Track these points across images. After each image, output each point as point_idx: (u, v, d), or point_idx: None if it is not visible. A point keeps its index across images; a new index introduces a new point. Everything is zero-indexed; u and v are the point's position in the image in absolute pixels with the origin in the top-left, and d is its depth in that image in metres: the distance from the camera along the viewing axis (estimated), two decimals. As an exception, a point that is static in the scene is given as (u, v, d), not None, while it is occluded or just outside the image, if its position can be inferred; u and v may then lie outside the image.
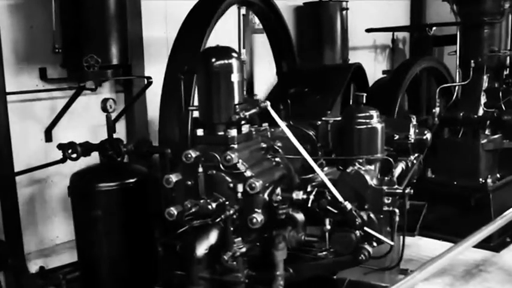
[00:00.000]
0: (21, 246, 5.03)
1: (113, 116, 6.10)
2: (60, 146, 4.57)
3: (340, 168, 3.52)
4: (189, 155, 3.22)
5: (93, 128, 5.87)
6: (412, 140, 4.82)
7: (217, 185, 3.21)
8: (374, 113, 3.50)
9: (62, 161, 4.59)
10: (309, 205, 3.21)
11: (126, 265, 4.43)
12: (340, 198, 3.21)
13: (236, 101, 3.29)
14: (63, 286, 4.55)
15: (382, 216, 3.36)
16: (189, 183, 3.23)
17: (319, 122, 3.94)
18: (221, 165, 3.16)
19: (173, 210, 3.20)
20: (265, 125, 3.71)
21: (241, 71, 3.32)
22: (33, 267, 5.38)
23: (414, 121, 5.01)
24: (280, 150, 3.50)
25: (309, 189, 3.37)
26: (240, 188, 3.11)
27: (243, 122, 3.38)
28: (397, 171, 4.64)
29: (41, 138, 5.64)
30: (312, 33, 7.84)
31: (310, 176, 3.60)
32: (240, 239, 3.12)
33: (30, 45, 5.47)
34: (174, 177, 3.25)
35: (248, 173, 3.16)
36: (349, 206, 3.19)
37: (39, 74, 5.56)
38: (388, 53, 9.83)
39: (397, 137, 4.90)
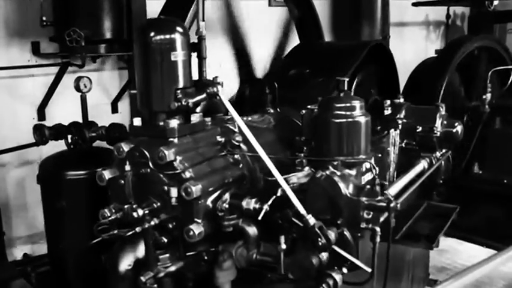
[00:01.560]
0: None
1: (114, 94, 5.72)
2: (34, 128, 4.14)
3: (312, 170, 2.83)
4: (121, 149, 2.67)
5: (92, 108, 5.41)
6: (438, 133, 4.09)
7: (151, 187, 2.63)
8: (357, 103, 2.78)
9: (33, 144, 4.15)
10: (261, 216, 2.55)
11: (94, 258, 3.98)
12: (302, 211, 2.56)
13: (180, 84, 2.68)
14: (32, 279, 4.15)
15: (359, 234, 2.67)
16: (122, 182, 2.67)
17: (304, 111, 3.26)
18: (152, 164, 2.58)
19: (107, 213, 2.66)
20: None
21: (187, 49, 2.69)
22: (19, 253, 5.05)
23: (442, 110, 4.23)
24: (241, 145, 2.86)
25: (278, 193, 2.72)
26: (173, 192, 2.52)
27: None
28: (417, 169, 3.96)
29: (33, 117, 5.25)
30: (348, 6, 7.01)
31: (283, 177, 2.93)
32: (167, 255, 2.53)
33: (22, 16, 5.04)
34: (107, 174, 2.71)
35: (186, 174, 2.57)
36: (312, 220, 2.53)
37: (31, 48, 5.14)
38: (442, 30, 8.79)
39: (420, 128, 4.16)
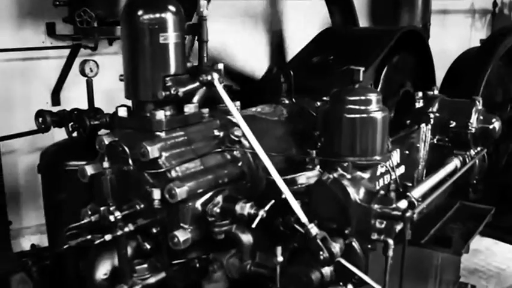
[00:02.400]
0: (5, 223, 4.49)
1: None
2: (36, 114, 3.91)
3: (320, 171, 2.48)
4: (102, 142, 2.38)
5: (108, 93, 5.18)
6: (473, 130, 3.69)
7: (133, 187, 2.34)
8: (373, 96, 2.40)
9: (36, 131, 3.93)
10: (255, 223, 2.22)
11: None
12: (304, 219, 2.22)
13: (171, 71, 2.36)
14: (33, 273, 3.95)
15: (370, 246, 2.32)
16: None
17: (319, 103, 2.90)
18: (133, 161, 2.28)
19: (88, 212, 2.39)
20: (237, 104, 2.73)
21: (180, 30, 2.37)
22: (28, 243, 4.88)
23: (479, 105, 3.81)
24: (242, 140, 2.53)
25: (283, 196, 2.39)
26: (156, 194, 2.22)
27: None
28: (447, 168, 3.55)
29: (46, 102, 5.05)
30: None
31: (289, 177, 2.58)
32: (144, 266, 2.23)
33: (37, -4, 4.83)
34: (89, 169, 2.43)
35: (172, 174, 2.26)
36: (314, 230, 2.19)
37: (46, 29, 4.92)
38: (488, 19, 8.20)
39: (453, 124, 3.76)
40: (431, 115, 3.80)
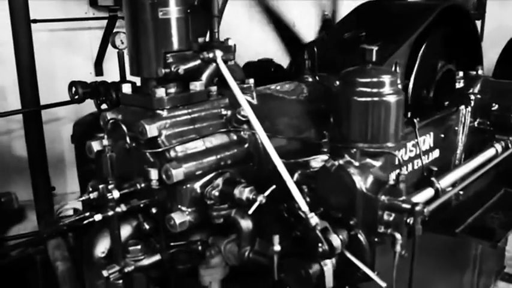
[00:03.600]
0: (48, 188, 4.61)
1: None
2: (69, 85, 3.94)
3: (328, 156, 2.34)
4: (106, 119, 2.35)
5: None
6: (517, 113, 3.43)
7: (134, 166, 2.30)
8: (387, 78, 2.23)
9: (66, 103, 3.97)
10: (253, 209, 2.13)
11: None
12: (304, 207, 2.10)
13: (173, 47, 2.28)
14: (69, 239, 4.04)
15: (377, 239, 2.18)
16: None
17: (338, 82, 2.73)
18: (131, 139, 2.23)
19: (89, 189, 2.39)
20: (251, 81, 2.62)
21: (183, 5, 2.27)
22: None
23: (525, 87, 3.53)
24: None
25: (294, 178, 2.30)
26: (153, 174, 2.17)
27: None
28: (487, 153, 3.31)
29: (90, 72, 5.11)
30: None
31: (301, 160, 2.46)
32: (138, 247, 2.20)
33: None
34: (96, 145, 2.42)
35: (171, 154, 2.20)
36: (313, 220, 2.07)
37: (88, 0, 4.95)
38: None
39: (496, 106, 3.50)
40: (472, 96, 3.55)
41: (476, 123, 3.57)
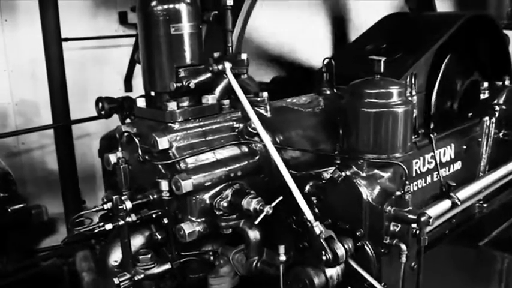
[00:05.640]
0: (78, 201, 4.75)
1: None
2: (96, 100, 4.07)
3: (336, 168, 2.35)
4: (121, 131, 2.43)
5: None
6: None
7: (146, 177, 2.36)
8: (395, 88, 2.23)
9: (94, 118, 4.09)
10: (259, 220, 2.16)
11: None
12: (309, 216, 2.12)
13: (186, 61, 2.35)
14: (97, 251, 4.14)
15: (383, 250, 2.18)
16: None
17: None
18: (143, 152, 2.30)
19: (104, 200, 2.46)
20: (265, 95, 2.66)
21: (195, 20, 2.34)
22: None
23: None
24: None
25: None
26: (164, 185, 2.23)
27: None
28: (508, 167, 3.25)
29: (119, 88, 5.26)
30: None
31: (314, 172, 2.47)
32: (148, 256, 2.25)
33: (109, -15, 5.03)
34: (113, 158, 2.49)
35: (181, 165, 2.25)
36: (318, 229, 2.09)
37: (118, 18, 5.11)
38: None
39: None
40: (497, 107, 3.49)
41: (501, 134, 3.50)
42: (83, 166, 5.06)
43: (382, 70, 2.26)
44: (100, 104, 3.88)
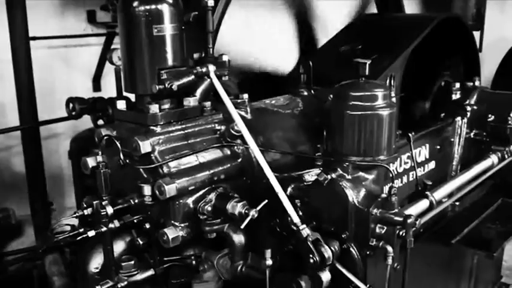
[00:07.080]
0: (45, 204, 4.62)
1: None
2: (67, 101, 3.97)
3: (320, 170, 2.35)
4: (100, 135, 2.37)
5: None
6: (513, 124, 3.44)
7: (127, 182, 2.31)
8: (380, 91, 2.25)
9: (64, 119, 4.00)
10: (245, 224, 2.14)
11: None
12: (296, 219, 2.12)
13: (167, 63, 2.31)
14: (67, 254, 4.04)
15: (368, 252, 2.19)
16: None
17: (331, 96, 2.75)
18: (124, 155, 2.25)
19: (84, 205, 2.39)
20: (245, 96, 2.64)
21: (178, 22, 2.30)
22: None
23: (521, 98, 3.54)
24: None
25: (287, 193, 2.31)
26: (146, 190, 2.19)
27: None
28: (482, 165, 3.31)
29: (88, 87, 5.15)
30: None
31: (296, 174, 2.47)
32: (131, 262, 2.20)
33: (77, -17, 4.91)
34: (91, 161, 2.42)
35: (164, 169, 2.21)
36: (305, 232, 2.09)
37: (87, 17, 4.99)
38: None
39: (492, 118, 3.51)
40: (469, 108, 3.56)
41: (472, 134, 3.57)
42: (49, 168, 4.93)
43: (367, 73, 2.26)
44: (71, 105, 3.80)
